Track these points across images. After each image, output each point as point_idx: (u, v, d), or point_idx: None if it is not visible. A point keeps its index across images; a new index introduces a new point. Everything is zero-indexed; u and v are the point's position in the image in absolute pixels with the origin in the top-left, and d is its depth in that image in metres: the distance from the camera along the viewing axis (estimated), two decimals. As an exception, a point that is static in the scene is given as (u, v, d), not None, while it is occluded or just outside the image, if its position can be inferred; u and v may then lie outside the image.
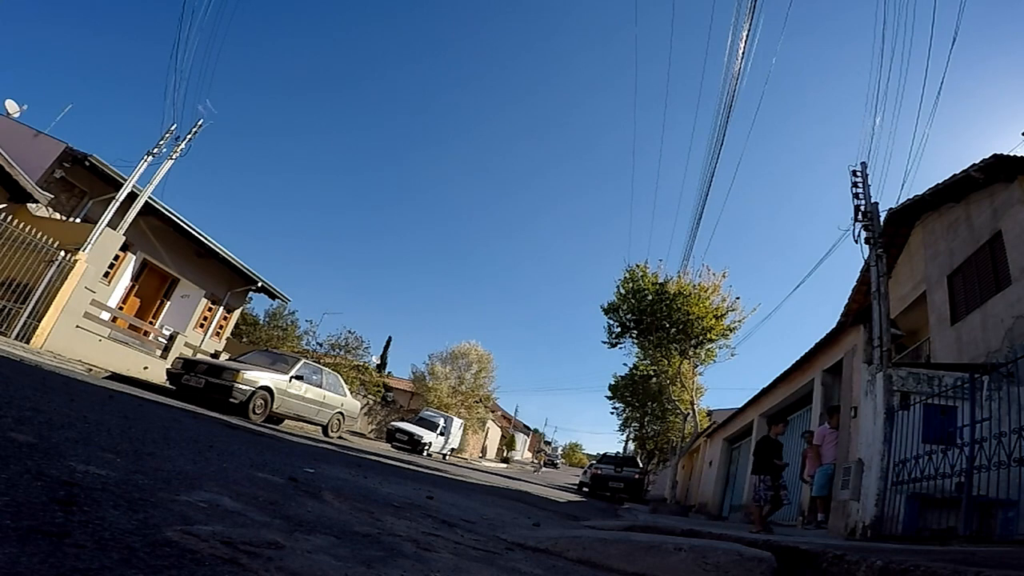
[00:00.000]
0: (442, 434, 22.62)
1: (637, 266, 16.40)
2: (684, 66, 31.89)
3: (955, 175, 8.02)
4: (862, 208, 7.76)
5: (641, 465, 23.25)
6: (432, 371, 32.25)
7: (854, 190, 7.92)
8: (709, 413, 23.00)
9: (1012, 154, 7.11)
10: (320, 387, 11.66)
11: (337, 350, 24.27)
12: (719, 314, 15.45)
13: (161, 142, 11.75)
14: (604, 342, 17.03)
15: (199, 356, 12.07)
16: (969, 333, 7.80)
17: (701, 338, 15.62)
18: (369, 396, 26.67)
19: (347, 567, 1.34)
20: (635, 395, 24.32)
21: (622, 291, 16.33)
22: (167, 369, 10.17)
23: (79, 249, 10.26)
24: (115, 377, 9.44)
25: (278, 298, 20.14)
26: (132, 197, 11.53)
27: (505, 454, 48.71)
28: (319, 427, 12.10)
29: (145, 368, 12.26)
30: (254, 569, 1.12)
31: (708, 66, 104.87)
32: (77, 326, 10.59)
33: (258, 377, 9.64)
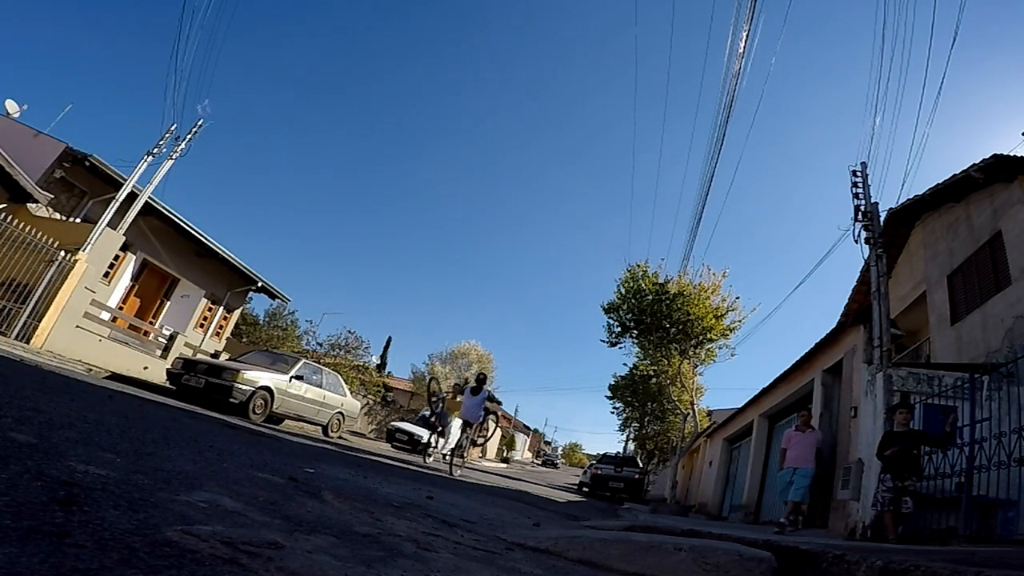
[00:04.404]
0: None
1: (638, 265, 16.37)
2: (684, 66, 31.97)
3: (955, 175, 8.02)
4: (862, 208, 7.77)
5: (641, 465, 23.26)
6: (432, 371, 32.24)
7: (854, 190, 7.93)
8: (709, 413, 22.99)
9: (1012, 154, 7.11)
10: (320, 387, 11.66)
11: (337, 350, 24.27)
12: (719, 314, 15.44)
13: (161, 142, 11.76)
14: (604, 341, 17.02)
15: (199, 356, 12.07)
16: (969, 333, 7.80)
17: (701, 338, 15.61)
18: (369, 396, 26.66)
19: (347, 567, 1.34)
20: (635, 395, 24.29)
21: (622, 291, 16.31)
22: (167, 369, 10.17)
23: (79, 249, 10.26)
24: (115, 377, 9.44)
25: (278, 298, 20.14)
26: (132, 197, 11.54)
27: (505, 454, 48.70)
28: (319, 427, 12.10)
29: (145, 368, 12.26)
30: (254, 569, 1.12)
31: (708, 66, 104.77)
32: (77, 326, 10.58)
33: (258, 377, 9.64)
